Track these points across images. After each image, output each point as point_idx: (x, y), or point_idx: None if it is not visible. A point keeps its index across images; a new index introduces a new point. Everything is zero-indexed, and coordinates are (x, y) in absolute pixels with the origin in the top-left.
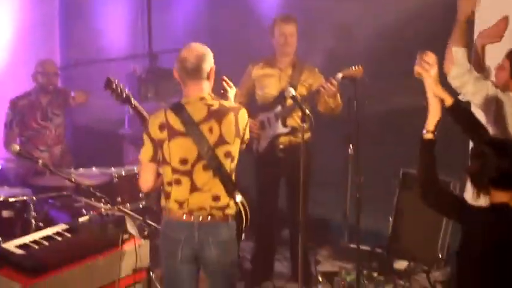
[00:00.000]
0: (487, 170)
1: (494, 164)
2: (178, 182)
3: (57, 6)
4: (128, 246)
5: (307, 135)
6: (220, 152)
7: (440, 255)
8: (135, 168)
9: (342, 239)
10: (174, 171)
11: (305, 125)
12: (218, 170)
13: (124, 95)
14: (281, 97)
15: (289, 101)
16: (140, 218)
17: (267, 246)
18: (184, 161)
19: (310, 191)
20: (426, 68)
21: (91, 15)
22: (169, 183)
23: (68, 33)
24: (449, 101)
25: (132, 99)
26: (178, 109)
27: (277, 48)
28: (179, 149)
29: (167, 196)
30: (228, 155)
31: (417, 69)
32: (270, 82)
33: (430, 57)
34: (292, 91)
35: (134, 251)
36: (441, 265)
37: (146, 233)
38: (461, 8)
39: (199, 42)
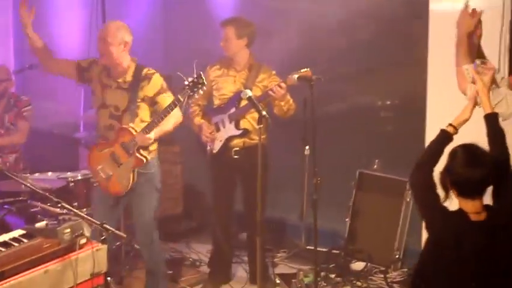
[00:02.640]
0: (452, 172)
1: (459, 168)
2: None
3: (11, 12)
4: (85, 251)
5: (263, 136)
6: None
7: (397, 256)
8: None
9: (299, 241)
10: None
11: (261, 126)
12: None
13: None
14: (235, 99)
15: (243, 103)
16: (98, 222)
17: (225, 250)
18: None
19: (267, 193)
20: (485, 72)
21: (46, 20)
22: None
23: (22, 37)
24: (488, 109)
25: None
26: None
27: None
28: None
29: None
30: None
31: (472, 72)
32: (226, 83)
33: (489, 65)
34: (248, 92)
35: (92, 256)
36: (398, 265)
37: (103, 237)
38: (461, 26)
39: (155, 46)
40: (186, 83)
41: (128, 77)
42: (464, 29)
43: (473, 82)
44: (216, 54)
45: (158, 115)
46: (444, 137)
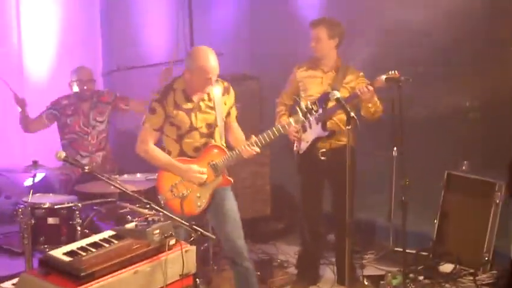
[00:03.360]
0: None
1: None
2: None
3: (98, 13)
4: (174, 252)
5: (351, 138)
6: None
7: (486, 258)
8: None
9: (388, 243)
10: None
11: (349, 128)
12: None
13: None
14: (322, 100)
15: (330, 104)
16: (186, 223)
17: (312, 251)
18: None
19: (354, 194)
20: None
21: (132, 20)
22: None
23: (110, 39)
24: None
25: None
26: None
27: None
28: None
29: None
30: None
31: None
32: (313, 84)
33: None
34: (337, 94)
35: (181, 257)
36: (487, 268)
37: (192, 238)
38: None
39: (241, 46)
40: (300, 108)
41: (210, 93)
42: None
43: None
44: (301, 55)
45: (268, 133)
46: None
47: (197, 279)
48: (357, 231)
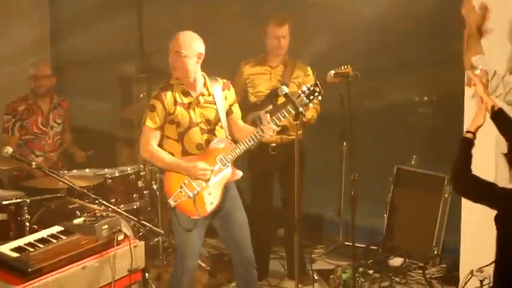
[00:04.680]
0: None
1: None
2: None
3: (48, 8)
4: (123, 247)
5: (299, 132)
6: None
7: (435, 252)
8: (128, 168)
9: (337, 237)
10: None
11: (298, 122)
12: None
13: None
14: (272, 95)
15: (280, 99)
16: (135, 218)
17: (262, 245)
18: None
19: (304, 189)
20: (479, 75)
21: (83, 14)
22: None
23: (59, 34)
24: (492, 108)
25: None
26: None
27: (270, 49)
28: None
29: None
30: None
31: (469, 75)
32: (261, 80)
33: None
34: (285, 89)
35: (130, 252)
36: (436, 261)
37: (141, 233)
38: (469, 20)
39: None
40: (301, 91)
41: (210, 89)
42: (473, 22)
43: (470, 84)
44: (250, 44)
45: (295, 104)
46: (467, 144)
47: (146, 274)
48: (306, 226)
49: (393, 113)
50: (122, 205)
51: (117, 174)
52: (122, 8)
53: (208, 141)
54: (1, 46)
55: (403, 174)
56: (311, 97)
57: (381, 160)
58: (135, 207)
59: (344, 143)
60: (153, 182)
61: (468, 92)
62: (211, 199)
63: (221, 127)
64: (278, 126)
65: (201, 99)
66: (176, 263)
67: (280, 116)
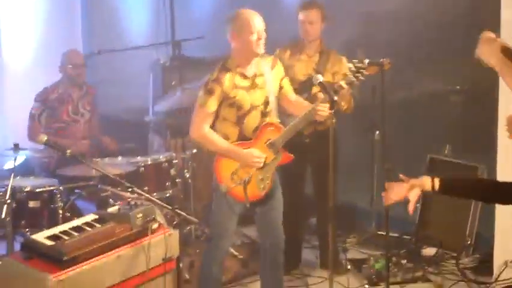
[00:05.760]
0: None
1: None
2: None
3: None
4: (157, 236)
5: (333, 121)
6: None
7: (468, 242)
8: (160, 156)
9: (370, 227)
10: None
11: (332, 112)
12: None
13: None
14: (307, 84)
15: (315, 89)
16: (169, 207)
17: (295, 234)
18: None
19: (337, 178)
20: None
21: (112, 4)
22: None
23: (90, 22)
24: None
25: None
26: None
27: (301, 34)
28: None
29: None
30: None
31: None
32: (297, 68)
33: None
34: (320, 77)
35: (164, 241)
36: (469, 251)
37: (175, 222)
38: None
39: (223, 28)
40: (349, 67)
41: (261, 70)
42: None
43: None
44: (283, 38)
45: (329, 93)
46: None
47: (180, 263)
48: (339, 215)
49: (425, 102)
50: (155, 193)
51: (150, 162)
52: None
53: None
54: None
55: (436, 163)
56: (357, 74)
57: (413, 149)
58: (168, 195)
59: (377, 132)
60: (185, 170)
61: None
62: (262, 184)
63: (273, 108)
64: (333, 103)
65: (257, 80)
66: (210, 245)
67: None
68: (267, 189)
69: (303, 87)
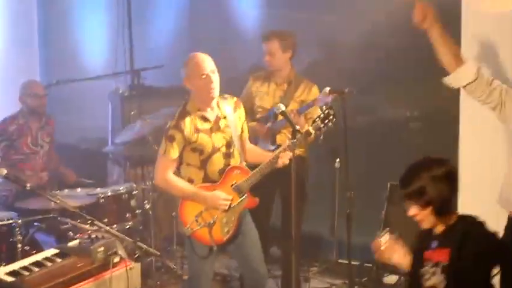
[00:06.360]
0: None
1: None
2: None
3: (36, 26)
4: (119, 270)
5: (301, 150)
6: None
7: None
8: (120, 188)
9: (331, 255)
10: None
11: (294, 141)
12: None
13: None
14: (272, 113)
15: (280, 117)
16: (131, 240)
17: None
18: None
19: (305, 207)
20: None
21: (70, 34)
22: None
23: (48, 52)
24: None
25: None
26: None
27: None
28: None
29: None
30: None
31: None
32: (264, 96)
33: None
34: (281, 107)
35: (125, 274)
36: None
37: (136, 255)
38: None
39: (182, 58)
40: (317, 116)
41: (223, 112)
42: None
43: None
44: (242, 67)
45: (291, 122)
46: None
47: None
48: (301, 244)
49: (385, 129)
50: (114, 225)
51: (109, 194)
52: (113, 26)
53: (227, 167)
54: None
55: (397, 190)
56: (326, 121)
57: (374, 177)
58: (128, 227)
59: (337, 160)
60: (145, 201)
61: (464, 104)
62: (227, 228)
63: (237, 150)
64: (295, 132)
65: (220, 123)
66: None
67: (293, 145)
68: (231, 233)
69: (267, 116)
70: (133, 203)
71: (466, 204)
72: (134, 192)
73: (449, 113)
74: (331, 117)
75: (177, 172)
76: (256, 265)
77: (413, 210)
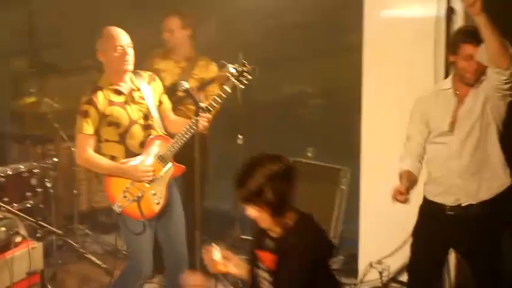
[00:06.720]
0: None
1: None
2: None
3: None
4: (20, 250)
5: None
6: None
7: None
8: (21, 166)
9: (234, 231)
10: None
11: (198, 118)
12: None
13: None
14: (172, 90)
15: (179, 94)
16: (33, 220)
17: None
18: None
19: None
20: None
21: None
22: None
23: None
24: None
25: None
26: None
27: None
28: None
29: None
30: None
31: None
32: (163, 73)
33: None
34: (185, 84)
35: (27, 254)
36: (334, 253)
37: (38, 234)
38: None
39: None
40: (230, 71)
41: (136, 84)
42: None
43: None
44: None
45: (195, 100)
46: None
47: (44, 277)
48: (205, 222)
49: (287, 104)
50: (15, 204)
51: (10, 172)
52: (13, 2)
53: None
54: None
55: (299, 166)
56: (241, 78)
57: (278, 152)
58: (28, 205)
59: (240, 136)
60: (46, 180)
61: (366, 81)
62: (156, 199)
63: (156, 122)
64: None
65: (134, 94)
66: (127, 270)
67: (214, 103)
68: (163, 204)
69: (168, 93)
70: (33, 181)
71: (370, 184)
72: (35, 171)
73: (351, 88)
74: (246, 74)
75: (98, 151)
76: (180, 248)
77: (251, 211)
